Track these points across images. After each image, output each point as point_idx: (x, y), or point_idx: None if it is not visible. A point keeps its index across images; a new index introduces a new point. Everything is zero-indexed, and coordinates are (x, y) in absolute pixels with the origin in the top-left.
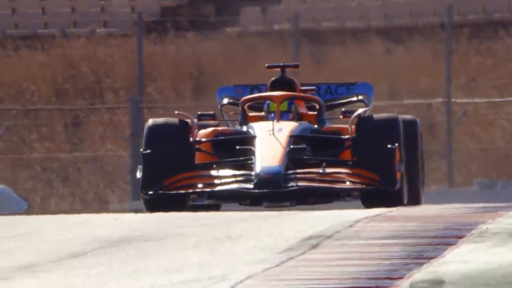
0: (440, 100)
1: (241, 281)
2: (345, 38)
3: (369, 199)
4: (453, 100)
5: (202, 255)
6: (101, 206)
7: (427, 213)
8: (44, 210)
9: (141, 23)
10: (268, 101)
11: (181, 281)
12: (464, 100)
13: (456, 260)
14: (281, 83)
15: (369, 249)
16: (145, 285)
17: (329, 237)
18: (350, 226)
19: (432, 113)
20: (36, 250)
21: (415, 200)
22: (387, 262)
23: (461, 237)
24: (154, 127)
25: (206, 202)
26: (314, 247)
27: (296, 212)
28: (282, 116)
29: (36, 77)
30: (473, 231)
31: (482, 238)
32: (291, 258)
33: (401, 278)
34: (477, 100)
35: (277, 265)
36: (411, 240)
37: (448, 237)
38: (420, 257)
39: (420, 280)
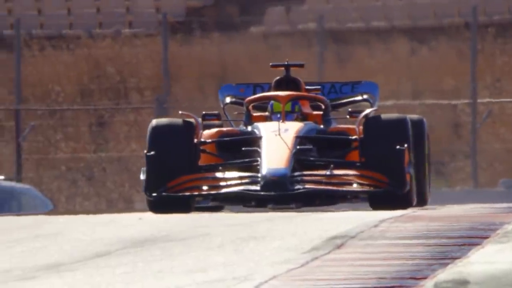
0: (465, 100)
1: (265, 281)
2: (369, 38)
3: (377, 201)
4: (478, 100)
5: (226, 255)
6: (126, 206)
7: (452, 213)
8: (69, 210)
9: (166, 23)
10: (271, 101)
11: (206, 281)
12: (489, 100)
13: (481, 261)
14: (286, 83)
15: (394, 249)
16: (170, 285)
17: (353, 237)
18: (375, 226)
19: (457, 113)
20: (61, 250)
21: (421, 201)
22: (411, 262)
23: (486, 237)
24: (157, 128)
25: (210, 204)
26: (338, 247)
27: (320, 212)
28: (286, 116)
29: (62, 77)
30: (498, 231)
31: (507, 238)
32: (316, 258)
33: (425, 278)
34: (502, 100)
35: (302, 265)
36: (436, 240)
37: (473, 237)
38: (445, 258)
39: (444, 280)
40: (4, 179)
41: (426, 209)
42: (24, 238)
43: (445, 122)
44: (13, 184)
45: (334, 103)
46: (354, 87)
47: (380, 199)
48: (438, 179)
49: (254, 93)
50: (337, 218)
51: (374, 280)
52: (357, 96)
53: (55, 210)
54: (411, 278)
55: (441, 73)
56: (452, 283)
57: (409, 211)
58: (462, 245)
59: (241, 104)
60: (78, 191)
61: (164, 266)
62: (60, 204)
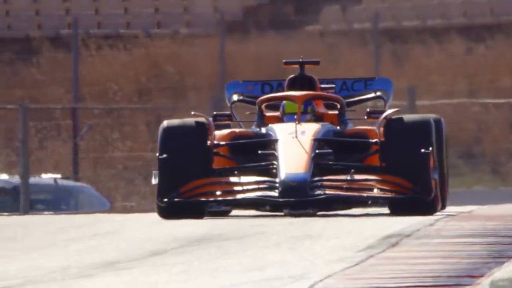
0: None
1: (320, 280)
2: (425, 37)
3: (400, 208)
4: None
5: (282, 253)
6: None
7: (508, 212)
8: (126, 208)
9: (223, 23)
10: (283, 101)
11: (262, 279)
12: None
13: None
14: (300, 81)
15: (449, 247)
16: (226, 283)
17: (409, 235)
18: (431, 224)
19: None
20: (118, 248)
21: (441, 206)
22: (467, 260)
23: None
24: (169, 129)
25: (223, 208)
26: (394, 245)
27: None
28: (300, 117)
29: (119, 76)
30: None
31: None
32: (371, 256)
33: (481, 276)
34: None
35: (357, 264)
36: (492, 239)
37: None
38: (501, 256)
39: (500, 278)
40: (61, 178)
41: (482, 208)
42: (81, 237)
43: (501, 121)
44: (70, 183)
45: (346, 100)
46: (367, 83)
47: (403, 206)
48: (495, 178)
49: (263, 91)
50: (392, 217)
51: (429, 278)
52: (370, 93)
53: (111, 209)
54: (467, 276)
55: (498, 72)
56: (509, 282)
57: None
58: None
59: (249, 103)
60: (134, 189)
61: (220, 264)
62: (117, 202)
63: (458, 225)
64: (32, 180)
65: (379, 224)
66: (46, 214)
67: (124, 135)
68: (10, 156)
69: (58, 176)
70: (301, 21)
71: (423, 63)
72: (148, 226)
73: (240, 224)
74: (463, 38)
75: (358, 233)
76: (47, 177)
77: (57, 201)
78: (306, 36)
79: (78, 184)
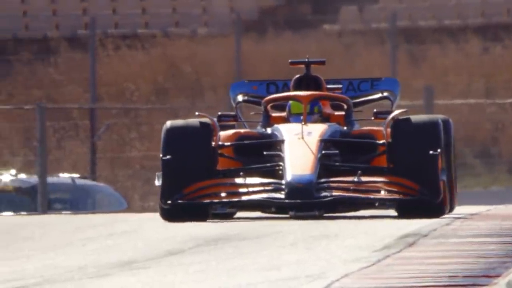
0: None
1: (337, 280)
2: (442, 37)
3: (407, 210)
4: None
5: (299, 253)
6: None
7: None
8: (143, 208)
9: (239, 22)
10: (289, 101)
11: (278, 278)
12: None
13: None
14: (306, 81)
15: (466, 247)
16: (243, 282)
17: (425, 235)
18: (447, 224)
19: None
20: (135, 248)
21: (450, 208)
22: (484, 260)
23: None
24: (173, 130)
25: (228, 210)
26: (410, 245)
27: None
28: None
29: (136, 76)
30: None
31: None
32: (388, 256)
33: (498, 276)
34: None
35: (373, 264)
36: (509, 239)
37: None
38: None
39: None
40: (79, 178)
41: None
42: (98, 236)
43: None
44: (87, 182)
45: (352, 101)
46: (374, 84)
47: (411, 208)
48: (511, 178)
49: (268, 91)
50: (400, 219)
51: (446, 278)
52: (376, 93)
53: (129, 209)
54: (483, 276)
55: None
56: None
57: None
58: None
59: (254, 103)
60: (152, 189)
61: (237, 264)
62: (134, 202)
63: (475, 224)
64: (50, 179)
65: (396, 224)
66: (64, 214)
67: (142, 135)
68: (28, 155)
69: (76, 175)
70: (318, 21)
71: (440, 63)
72: (165, 225)
73: (256, 224)
74: (480, 38)
75: (375, 233)
76: (65, 176)
77: (75, 201)
78: (323, 35)
79: (96, 183)
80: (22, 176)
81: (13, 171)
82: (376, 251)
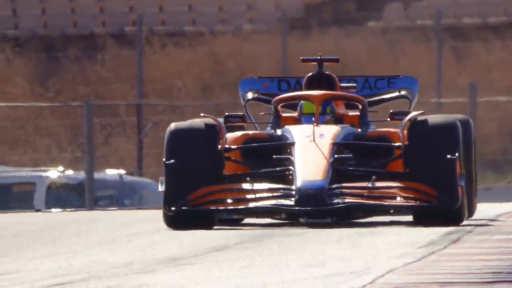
0: None
1: (382, 275)
2: (486, 34)
3: (424, 217)
4: None
5: (344, 249)
6: None
7: None
8: None
9: (285, 19)
10: (300, 101)
11: (323, 275)
12: None
13: None
14: (318, 80)
15: (510, 244)
16: (287, 278)
17: (470, 232)
18: (492, 220)
19: None
20: (180, 244)
21: (469, 213)
22: None
23: None
24: (177, 133)
25: (235, 216)
26: (455, 241)
27: None
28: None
29: (183, 73)
30: None
31: None
32: (432, 252)
33: None
34: None
35: (418, 260)
36: None
37: None
38: None
39: None
40: (126, 174)
41: None
42: (144, 232)
43: None
44: (134, 178)
45: (368, 100)
46: (391, 82)
47: (428, 215)
48: None
49: (279, 88)
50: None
51: (490, 274)
52: (394, 92)
53: None
54: None
55: None
56: None
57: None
58: None
59: (264, 101)
60: None
61: (282, 260)
62: None
63: None
64: (97, 176)
65: None
66: (110, 210)
67: None
68: (75, 152)
69: (123, 172)
70: (363, 18)
71: (484, 60)
72: None
73: None
74: None
75: (419, 229)
76: (112, 173)
77: (121, 197)
78: (368, 32)
79: (142, 179)
80: (70, 172)
81: (60, 168)
82: (421, 247)
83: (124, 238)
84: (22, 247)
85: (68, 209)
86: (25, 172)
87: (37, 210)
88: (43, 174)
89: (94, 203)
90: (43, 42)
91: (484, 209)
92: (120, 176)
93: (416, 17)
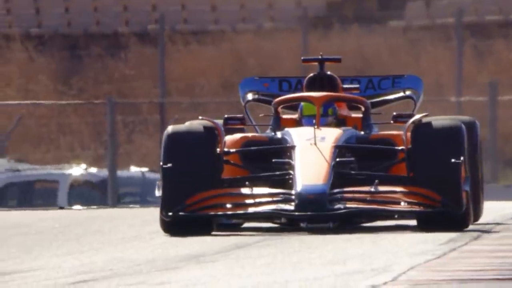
0: None
1: (403, 272)
2: (508, 31)
3: (428, 222)
4: None
5: (365, 247)
6: None
7: None
8: None
9: (306, 17)
10: (301, 103)
11: (344, 272)
12: None
13: None
14: (320, 81)
15: None
16: (309, 276)
17: (490, 229)
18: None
19: None
20: (202, 241)
21: (475, 216)
22: None
23: None
24: (174, 136)
25: (234, 221)
26: (475, 238)
27: None
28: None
29: (206, 71)
30: None
31: None
32: (453, 249)
33: None
34: None
35: (439, 257)
36: None
37: None
38: None
39: None
40: (148, 171)
41: None
42: None
43: None
44: (157, 176)
45: (371, 100)
46: (395, 81)
47: (432, 220)
48: None
49: (280, 88)
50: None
51: (510, 271)
52: (398, 92)
53: None
54: None
55: None
56: None
57: None
58: None
59: (265, 102)
60: None
61: (303, 257)
62: None
63: None
64: (120, 173)
65: None
66: (133, 207)
67: None
68: (98, 149)
69: (145, 169)
70: (384, 16)
71: (505, 58)
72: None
73: None
74: None
75: None
76: (135, 170)
77: (144, 194)
78: (389, 31)
79: None
80: (93, 170)
81: (83, 165)
82: (442, 244)
83: (146, 235)
84: (45, 244)
85: (91, 207)
86: (48, 170)
87: (60, 208)
88: (66, 171)
89: (117, 201)
90: (66, 40)
91: (504, 207)
92: (143, 173)
93: (437, 16)
